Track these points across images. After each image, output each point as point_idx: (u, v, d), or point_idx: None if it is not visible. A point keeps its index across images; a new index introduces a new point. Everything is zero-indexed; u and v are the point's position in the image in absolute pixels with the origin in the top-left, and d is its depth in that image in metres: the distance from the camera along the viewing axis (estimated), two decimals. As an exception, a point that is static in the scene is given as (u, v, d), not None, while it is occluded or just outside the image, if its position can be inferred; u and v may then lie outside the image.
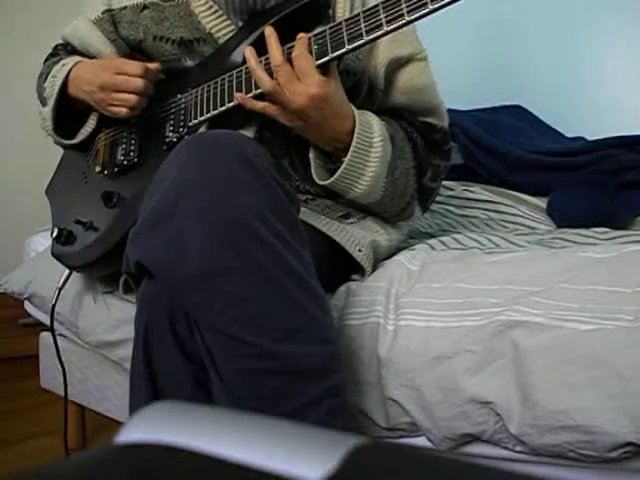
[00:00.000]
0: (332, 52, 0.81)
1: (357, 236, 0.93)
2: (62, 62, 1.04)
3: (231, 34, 0.96)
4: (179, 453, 0.22)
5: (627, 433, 0.65)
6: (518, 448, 0.74)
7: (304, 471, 0.20)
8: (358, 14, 0.81)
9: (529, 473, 0.21)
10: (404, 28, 0.95)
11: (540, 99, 1.97)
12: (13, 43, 2.18)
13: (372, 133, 0.89)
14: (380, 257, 0.97)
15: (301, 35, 0.83)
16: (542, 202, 1.51)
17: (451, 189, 1.54)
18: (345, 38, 0.81)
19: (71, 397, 1.20)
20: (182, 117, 0.96)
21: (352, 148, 0.87)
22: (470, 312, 0.78)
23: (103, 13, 1.03)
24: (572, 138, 1.84)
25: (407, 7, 0.76)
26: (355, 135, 0.86)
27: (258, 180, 0.65)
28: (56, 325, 1.09)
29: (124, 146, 1.01)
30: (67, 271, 1.02)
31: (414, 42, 1.00)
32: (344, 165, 0.87)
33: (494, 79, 2.14)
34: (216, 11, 0.96)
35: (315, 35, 0.83)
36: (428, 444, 0.79)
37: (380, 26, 0.78)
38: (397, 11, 0.77)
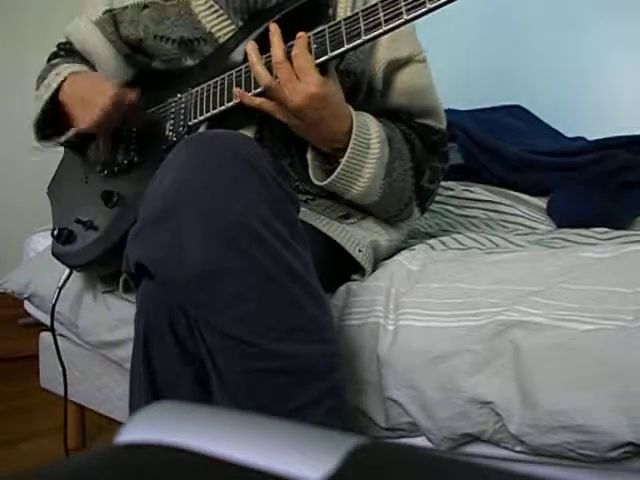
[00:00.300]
0: (331, 51, 0.81)
1: (357, 236, 0.94)
2: (56, 70, 1.03)
3: (231, 34, 0.96)
4: (179, 453, 0.22)
5: (627, 433, 0.65)
6: (518, 448, 0.74)
7: (304, 471, 0.20)
8: (357, 13, 0.81)
9: (529, 473, 0.21)
10: (403, 28, 0.95)
11: (540, 99, 1.97)
12: (19, 42, 2.18)
13: (369, 134, 0.89)
14: (380, 257, 0.98)
15: (301, 34, 0.83)
16: (542, 202, 1.51)
17: (451, 189, 1.54)
18: (344, 37, 0.80)
19: (71, 397, 1.20)
20: (182, 117, 0.96)
21: (349, 149, 0.86)
22: (470, 312, 0.78)
23: (104, 13, 1.03)
24: (572, 138, 1.84)
25: (406, 6, 0.76)
26: (352, 136, 0.86)
27: (258, 180, 0.65)
28: (56, 325, 1.09)
29: (124, 146, 1.01)
30: (67, 271, 1.02)
31: (413, 43, 1.00)
32: (341, 166, 0.87)
33: (494, 79, 2.14)
34: (216, 10, 0.96)
35: (315, 34, 0.83)
36: (428, 444, 0.79)
37: (379, 25, 0.78)
38: (396, 10, 0.77)
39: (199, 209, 0.62)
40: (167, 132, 0.97)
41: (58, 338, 1.10)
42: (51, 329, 1.07)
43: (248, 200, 0.63)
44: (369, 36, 0.79)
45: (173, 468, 0.21)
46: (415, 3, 0.75)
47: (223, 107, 0.91)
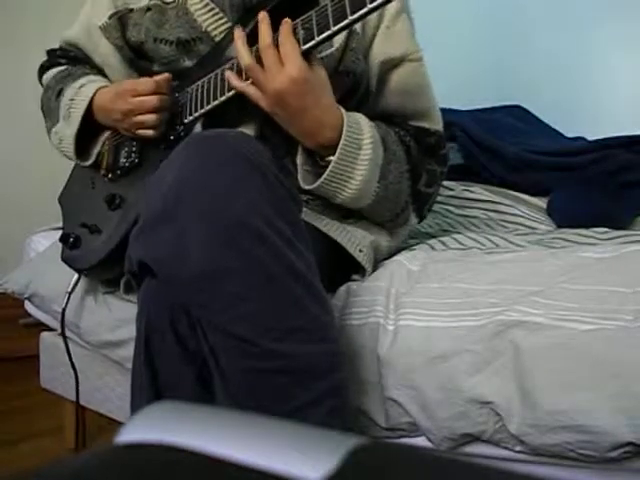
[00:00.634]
0: (318, 35, 0.79)
1: (358, 236, 0.93)
2: (79, 83, 1.04)
3: (227, 31, 0.95)
4: (179, 453, 0.22)
5: (627, 433, 0.65)
6: (518, 448, 0.74)
7: (304, 471, 0.20)
8: None
9: (529, 473, 0.21)
10: (399, 27, 0.94)
11: (540, 99, 1.97)
12: (19, 42, 2.18)
13: (361, 134, 0.86)
14: (380, 257, 0.97)
15: (286, 20, 0.81)
16: (542, 202, 1.51)
17: (451, 189, 1.54)
18: (330, 20, 0.78)
19: (71, 397, 1.20)
20: (179, 115, 0.96)
21: (339, 149, 0.84)
22: (470, 312, 0.78)
23: (110, 18, 1.03)
24: (572, 138, 1.84)
25: None
26: (343, 135, 0.84)
27: (260, 179, 0.64)
28: (57, 325, 1.10)
29: (126, 149, 1.01)
30: (76, 275, 1.03)
31: (408, 42, 0.97)
32: (331, 166, 0.84)
33: (494, 79, 2.14)
34: (212, 9, 0.96)
35: (302, 20, 0.81)
36: (428, 444, 0.79)
37: (363, 4, 0.75)
38: None
39: (200, 209, 0.62)
40: (166, 132, 0.97)
41: (59, 338, 1.10)
42: (62, 334, 1.07)
43: (250, 199, 0.63)
44: (355, 16, 0.76)
45: (173, 468, 0.21)
46: None
47: (216, 102, 0.90)
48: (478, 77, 2.16)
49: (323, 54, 0.91)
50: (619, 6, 1.96)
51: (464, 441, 0.77)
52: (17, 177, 2.19)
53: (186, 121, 0.94)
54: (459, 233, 1.18)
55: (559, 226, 1.40)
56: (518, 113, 1.91)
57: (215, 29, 0.96)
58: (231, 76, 0.86)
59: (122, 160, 1.01)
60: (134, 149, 1.00)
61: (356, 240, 0.92)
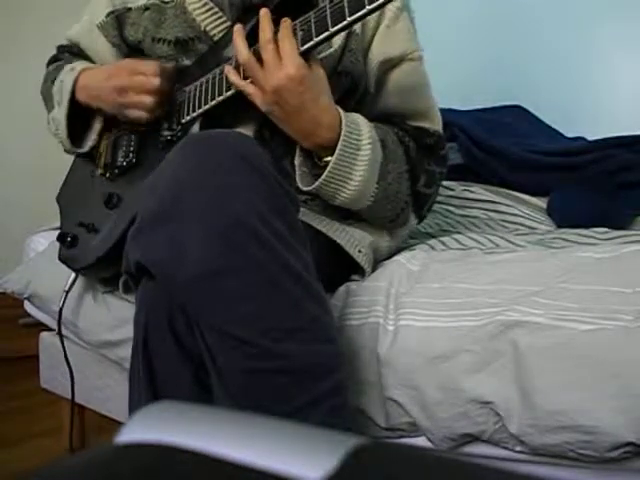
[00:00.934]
0: (316, 36, 0.79)
1: (357, 237, 0.93)
2: (70, 66, 1.04)
3: (226, 30, 0.95)
4: (179, 453, 0.22)
5: (627, 433, 0.65)
6: (518, 448, 0.74)
7: (304, 471, 0.20)
8: None
9: (529, 473, 0.21)
10: (398, 26, 0.93)
11: (540, 99, 1.97)
12: (19, 42, 2.18)
13: (360, 135, 0.85)
14: (380, 257, 0.97)
15: (285, 19, 0.81)
16: (542, 202, 1.51)
17: (451, 189, 1.54)
18: (329, 21, 0.78)
19: (70, 397, 1.20)
20: (176, 115, 0.96)
21: (338, 149, 0.83)
22: (470, 312, 0.78)
23: (107, 16, 1.03)
24: (572, 138, 1.84)
25: None
26: (341, 135, 0.83)
27: (257, 179, 0.64)
28: (56, 324, 1.09)
29: (124, 148, 1.01)
30: (73, 275, 1.03)
31: (407, 41, 0.97)
32: (329, 167, 0.84)
33: (494, 79, 2.14)
34: (211, 8, 0.96)
35: (301, 21, 0.81)
36: (428, 444, 0.79)
37: (362, 5, 0.74)
38: None
39: (197, 209, 0.62)
40: (163, 131, 0.96)
41: (58, 338, 1.10)
42: (59, 333, 1.07)
43: (247, 199, 0.63)
44: (353, 17, 0.76)
45: (173, 468, 0.21)
46: None
47: (214, 102, 0.89)
48: (478, 77, 2.16)
49: (322, 55, 0.91)
50: (619, 6, 1.96)
51: (464, 441, 0.77)
52: (17, 177, 2.19)
53: (184, 121, 0.94)
54: (459, 233, 1.18)
55: (559, 226, 1.40)
56: (518, 113, 1.91)
57: (214, 28, 0.96)
58: (230, 70, 0.85)
59: (120, 159, 1.01)
60: (132, 148, 1.00)
61: (355, 240, 0.92)
